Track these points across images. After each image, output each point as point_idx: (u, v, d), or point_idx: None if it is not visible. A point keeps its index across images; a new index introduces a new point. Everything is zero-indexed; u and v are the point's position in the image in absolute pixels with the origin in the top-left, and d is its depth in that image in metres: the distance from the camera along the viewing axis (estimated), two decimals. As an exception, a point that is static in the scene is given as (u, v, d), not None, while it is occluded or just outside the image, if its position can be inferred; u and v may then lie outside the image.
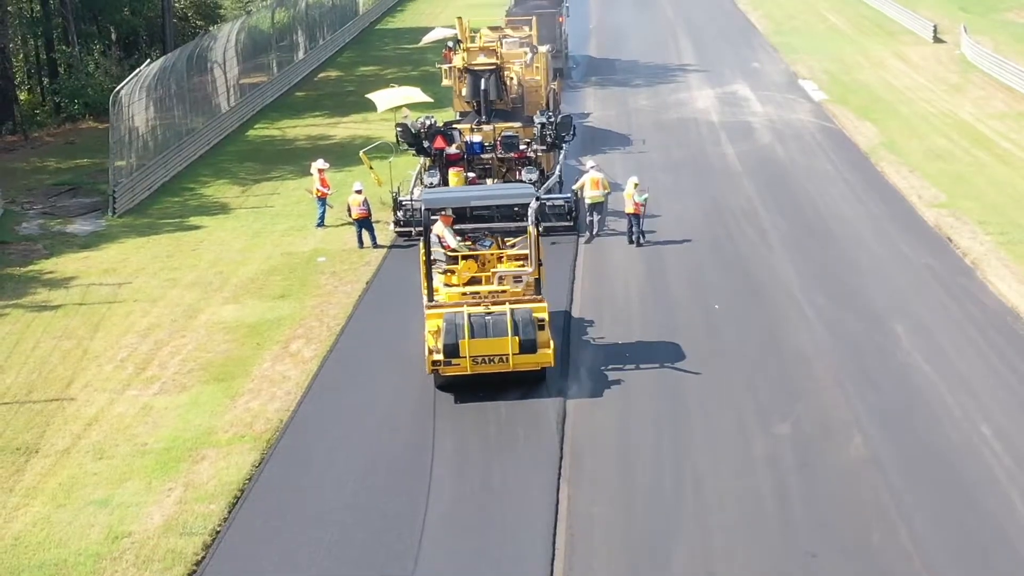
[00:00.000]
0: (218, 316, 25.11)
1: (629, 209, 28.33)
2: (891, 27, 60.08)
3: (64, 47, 51.30)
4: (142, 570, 15.83)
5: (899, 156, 35.77)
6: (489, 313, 20.48)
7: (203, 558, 16.10)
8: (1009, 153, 35.99)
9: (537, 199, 21.93)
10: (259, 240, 30.39)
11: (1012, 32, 56.02)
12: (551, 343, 20.65)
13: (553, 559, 15.83)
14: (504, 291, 21.32)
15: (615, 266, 27.41)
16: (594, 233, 29.04)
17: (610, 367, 21.71)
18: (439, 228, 22.36)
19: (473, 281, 21.97)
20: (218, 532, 16.70)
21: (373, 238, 29.13)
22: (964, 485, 17.25)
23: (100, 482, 18.23)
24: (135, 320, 25.11)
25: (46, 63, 53.22)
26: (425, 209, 21.49)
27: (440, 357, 20.24)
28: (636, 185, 28.21)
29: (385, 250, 28.80)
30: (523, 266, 21.96)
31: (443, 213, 22.63)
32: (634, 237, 28.37)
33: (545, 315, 20.66)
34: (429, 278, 21.33)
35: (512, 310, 20.45)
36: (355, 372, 21.98)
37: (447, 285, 21.74)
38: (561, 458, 18.42)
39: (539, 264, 21.41)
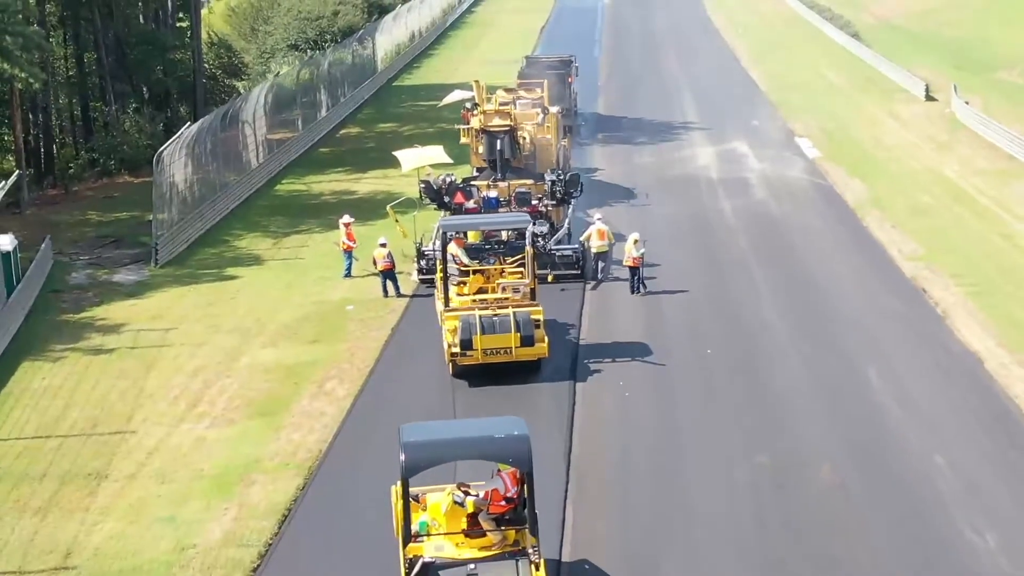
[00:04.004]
0: (258, 359, 27.76)
1: (628, 262, 30.98)
2: (886, 85, 62.32)
3: (100, 104, 54.11)
4: (207, 575, 18.46)
5: (884, 212, 38.30)
6: (496, 315, 25.21)
7: (259, 566, 18.78)
8: (987, 209, 38.51)
9: (534, 223, 26.85)
10: (292, 290, 33.02)
11: (1003, 91, 58.13)
12: (545, 338, 25.43)
13: (559, 570, 18.39)
14: (507, 298, 26.02)
15: (618, 313, 30.02)
16: (598, 273, 31.90)
17: (611, 402, 24.45)
18: (453, 248, 27.07)
19: (481, 291, 26.64)
20: (270, 544, 19.36)
21: (397, 288, 31.75)
22: (917, 507, 19.84)
23: (165, 502, 20.89)
24: (183, 362, 27.76)
25: (80, 119, 55.91)
26: (443, 232, 26.11)
27: (457, 350, 24.99)
28: (636, 241, 30.83)
29: (408, 299, 31.39)
30: (521, 278, 26.49)
31: (457, 236, 27.16)
32: (635, 287, 30.99)
33: (541, 316, 25.41)
34: (446, 288, 26.06)
35: (514, 312, 25.22)
36: (384, 407, 24.61)
37: (459, 295, 26.38)
38: (567, 482, 21.04)
39: (534, 277, 26.01)
